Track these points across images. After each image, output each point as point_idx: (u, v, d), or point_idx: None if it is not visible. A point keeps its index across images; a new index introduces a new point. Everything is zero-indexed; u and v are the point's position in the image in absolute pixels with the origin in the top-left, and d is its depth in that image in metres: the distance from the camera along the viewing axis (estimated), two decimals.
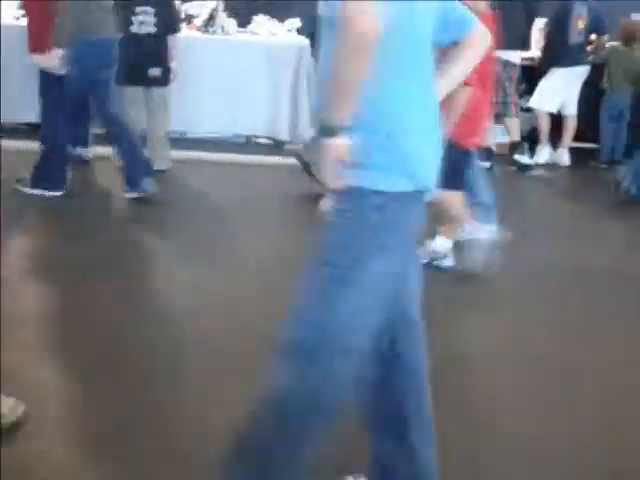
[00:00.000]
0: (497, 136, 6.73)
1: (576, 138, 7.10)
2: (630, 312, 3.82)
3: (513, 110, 6.61)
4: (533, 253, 4.58)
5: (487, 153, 6.50)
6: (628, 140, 6.97)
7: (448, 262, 4.17)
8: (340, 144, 1.78)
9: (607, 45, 7.08)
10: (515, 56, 6.45)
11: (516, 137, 6.69)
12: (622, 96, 6.96)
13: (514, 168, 6.62)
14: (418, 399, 2.07)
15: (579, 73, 6.86)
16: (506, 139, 6.74)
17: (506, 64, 6.40)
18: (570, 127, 6.99)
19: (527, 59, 6.86)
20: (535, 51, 7.11)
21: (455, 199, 4.01)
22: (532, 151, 6.84)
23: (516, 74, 6.55)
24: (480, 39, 2.09)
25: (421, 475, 2.08)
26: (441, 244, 4.17)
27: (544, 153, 6.90)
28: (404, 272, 1.98)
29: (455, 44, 2.06)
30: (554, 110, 6.89)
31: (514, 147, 6.69)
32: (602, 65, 7.00)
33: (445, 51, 2.08)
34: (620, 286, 4.16)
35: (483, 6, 3.79)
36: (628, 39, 6.95)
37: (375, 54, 1.73)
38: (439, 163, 1.99)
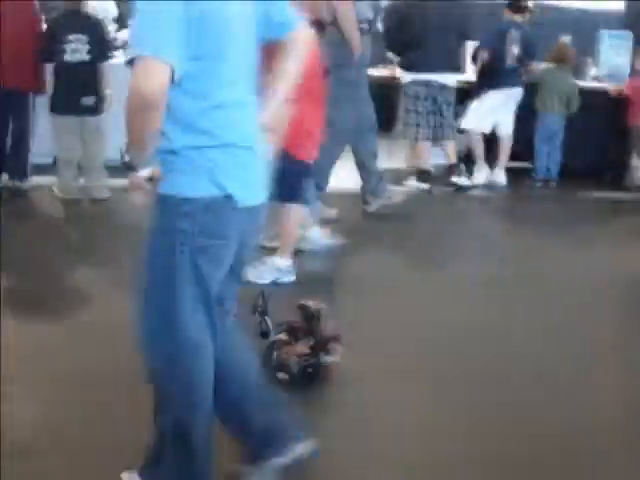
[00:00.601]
0: (434, 158, 6.82)
1: (513, 158, 7.21)
2: (565, 327, 3.88)
3: (450, 133, 6.70)
4: (462, 269, 4.65)
5: (426, 175, 6.59)
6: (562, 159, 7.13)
7: (289, 278, 4.21)
8: (139, 177, 1.96)
9: (540, 67, 7.24)
10: (451, 79, 6.54)
11: (453, 159, 6.77)
12: (555, 116, 7.10)
13: (452, 189, 6.69)
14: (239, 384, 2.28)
15: (513, 95, 6.99)
16: (444, 161, 6.82)
17: (443, 87, 6.48)
18: (505, 147, 7.10)
19: (461, 82, 6.95)
20: (469, 74, 7.21)
21: (292, 212, 4.13)
22: (470, 172, 6.92)
23: (453, 97, 6.63)
24: (302, 39, 2.20)
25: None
26: (280, 262, 4.20)
27: (481, 174, 6.99)
28: (216, 274, 2.10)
29: (278, 43, 2.16)
30: (487, 131, 7.00)
31: (451, 169, 6.77)
32: (536, 86, 7.15)
33: (269, 50, 2.17)
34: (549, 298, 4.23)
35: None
36: (560, 60, 7.13)
37: (163, 106, 1.90)
38: (265, 173, 2.17)
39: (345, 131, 5.30)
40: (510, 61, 6.89)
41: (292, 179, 3.97)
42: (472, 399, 3.07)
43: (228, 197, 2.02)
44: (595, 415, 3.02)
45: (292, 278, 4.22)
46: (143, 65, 1.87)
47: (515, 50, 6.88)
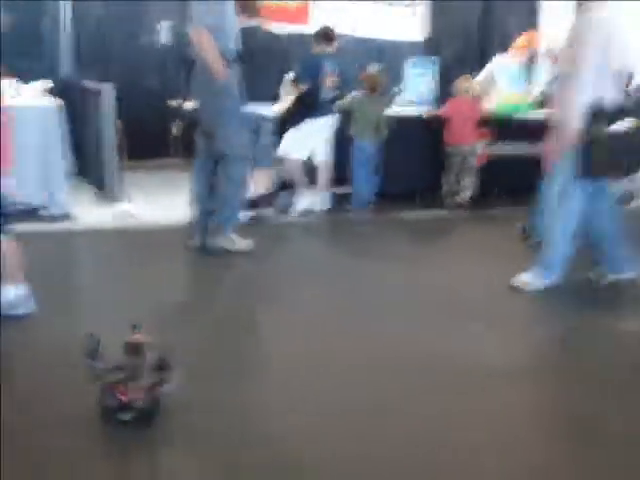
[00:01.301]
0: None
1: (337, 183, 7.42)
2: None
3: (267, 162, 6.79)
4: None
5: (250, 203, 6.64)
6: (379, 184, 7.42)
7: (24, 309, 4.12)
8: None
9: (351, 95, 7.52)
10: (268, 109, 6.66)
11: (268, 188, 6.86)
12: (368, 142, 7.38)
13: (272, 215, 6.83)
14: None
15: (328, 123, 7.20)
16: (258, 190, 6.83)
17: (261, 118, 6.57)
18: (323, 173, 7.29)
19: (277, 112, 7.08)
20: (284, 103, 7.36)
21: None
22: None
23: (271, 126, 6.73)
24: None
25: None
26: (13, 292, 4.10)
27: (302, 200, 7.13)
28: None
29: None
30: (304, 157, 7.17)
31: (272, 197, 6.88)
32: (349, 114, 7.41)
33: None
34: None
35: None
36: (372, 89, 7.43)
37: None
38: None
39: None
40: (325, 92, 7.09)
41: None
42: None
43: None
44: None
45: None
46: None
47: (330, 81, 7.10)
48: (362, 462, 2.83)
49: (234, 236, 5.78)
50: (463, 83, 7.65)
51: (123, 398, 2.96)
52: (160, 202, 7.25)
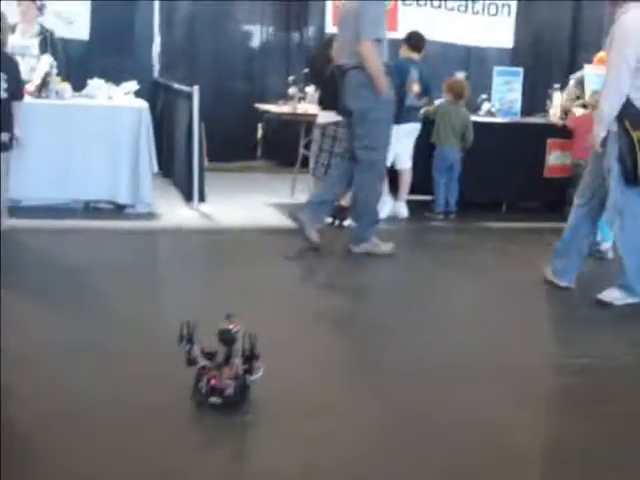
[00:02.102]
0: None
1: (413, 191, 7.39)
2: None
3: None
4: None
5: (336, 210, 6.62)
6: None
7: None
8: None
9: (436, 102, 7.48)
10: (332, 116, 6.53)
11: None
12: (451, 150, 7.32)
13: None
14: None
15: (410, 130, 7.15)
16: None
17: (326, 126, 6.57)
18: (405, 180, 7.26)
19: None
20: None
21: None
22: None
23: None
24: None
25: None
26: None
27: (385, 207, 7.10)
28: None
29: None
30: (388, 164, 7.14)
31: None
32: (433, 121, 7.36)
33: None
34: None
35: None
36: (456, 96, 7.37)
37: None
38: None
39: None
40: (411, 99, 7.03)
41: None
42: None
43: None
44: None
45: None
46: None
47: (415, 88, 7.04)
48: None
49: (376, 239, 5.86)
50: (591, 98, 7.42)
51: (214, 383, 3.11)
52: (242, 203, 7.36)
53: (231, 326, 3.16)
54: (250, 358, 3.16)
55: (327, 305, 4.64)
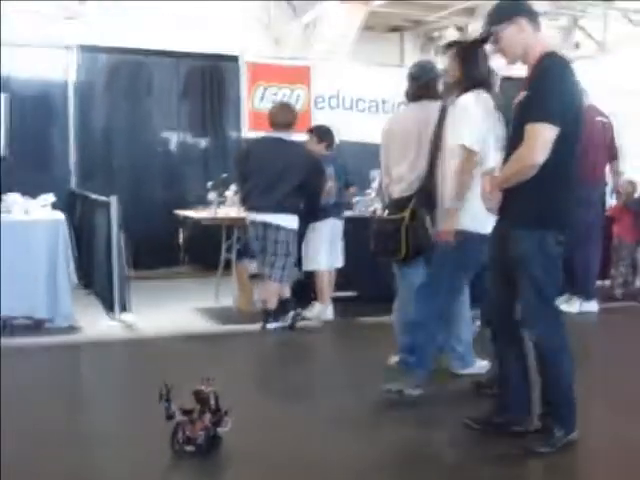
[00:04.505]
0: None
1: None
2: None
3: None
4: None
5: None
6: None
7: None
8: None
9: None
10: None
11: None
12: None
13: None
14: None
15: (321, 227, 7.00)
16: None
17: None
18: (331, 281, 7.14)
19: None
20: None
21: None
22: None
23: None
24: None
25: None
26: None
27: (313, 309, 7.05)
28: None
29: None
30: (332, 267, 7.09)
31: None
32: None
33: None
34: None
35: None
36: None
37: None
38: None
39: None
40: (324, 199, 6.79)
41: None
42: None
43: None
44: None
45: None
46: None
47: (330, 185, 6.77)
48: None
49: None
50: None
51: (191, 433, 3.70)
52: (167, 310, 7.27)
53: (203, 387, 3.73)
54: (220, 414, 3.72)
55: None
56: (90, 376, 5.58)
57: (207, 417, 3.70)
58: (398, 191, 5.05)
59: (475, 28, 14.04)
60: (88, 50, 9.33)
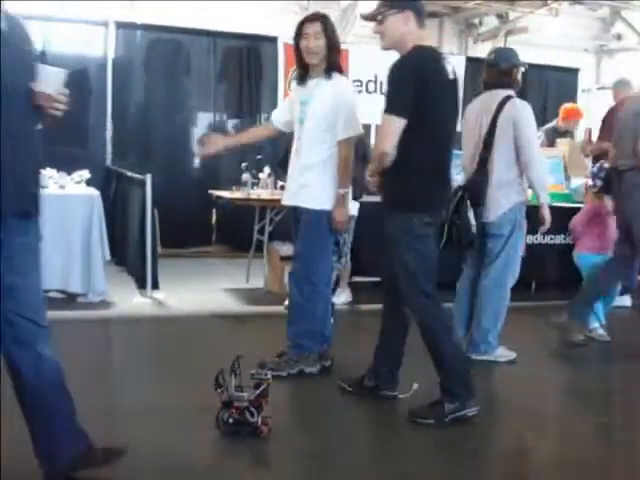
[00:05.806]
0: None
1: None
2: None
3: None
4: None
5: None
6: None
7: None
8: None
9: None
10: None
11: None
12: None
13: None
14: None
15: None
16: None
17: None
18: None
19: None
20: None
21: None
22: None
23: None
24: None
25: None
26: None
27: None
28: None
29: None
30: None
31: None
32: None
33: None
34: None
35: None
36: None
37: None
38: None
39: None
40: None
41: None
42: None
43: None
44: None
45: None
46: None
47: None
48: None
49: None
50: None
51: (233, 412, 3.78)
52: (196, 289, 7.31)
53: (261, 372, 3.89)
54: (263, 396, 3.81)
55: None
56: (121, 350, 5.63)
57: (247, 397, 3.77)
58: (459, 181, 5.21)
59: (516, 15, 13.92)
60: (126, 27, 9.34)
